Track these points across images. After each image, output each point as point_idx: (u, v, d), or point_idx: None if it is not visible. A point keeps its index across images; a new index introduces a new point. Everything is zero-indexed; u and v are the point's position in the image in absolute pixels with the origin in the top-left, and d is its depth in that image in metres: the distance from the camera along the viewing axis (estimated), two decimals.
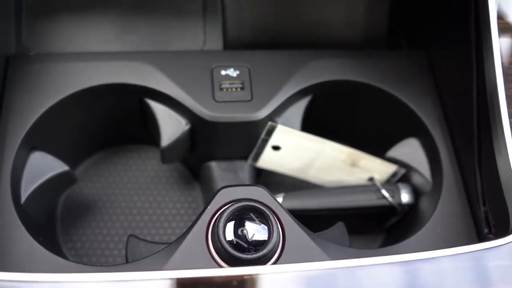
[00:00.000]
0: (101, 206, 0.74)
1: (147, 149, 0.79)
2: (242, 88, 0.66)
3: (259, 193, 0.55)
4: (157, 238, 0.73)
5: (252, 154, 0.69)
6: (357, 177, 0.71)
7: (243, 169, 0.70)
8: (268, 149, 0.68)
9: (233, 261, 0.51)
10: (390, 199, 0.67)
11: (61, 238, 0.72)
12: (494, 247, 0.48)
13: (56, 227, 0.72)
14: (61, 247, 0.71)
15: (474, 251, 0.48)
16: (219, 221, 0.52)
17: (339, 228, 0.62)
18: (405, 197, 0.67)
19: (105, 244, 0.72)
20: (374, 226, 0.74)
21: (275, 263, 0.52)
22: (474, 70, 0.61)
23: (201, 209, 0.74)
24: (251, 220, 0.53)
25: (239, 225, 0.53)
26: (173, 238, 0.74)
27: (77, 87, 0.64)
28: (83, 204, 0.74)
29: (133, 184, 0.77)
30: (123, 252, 0.71)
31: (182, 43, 0.74)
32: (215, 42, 0.74)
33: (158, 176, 0.78)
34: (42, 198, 0.63)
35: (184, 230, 0.72)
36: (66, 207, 0.74)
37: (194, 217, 0.75)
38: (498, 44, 0.59)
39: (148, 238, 0.73)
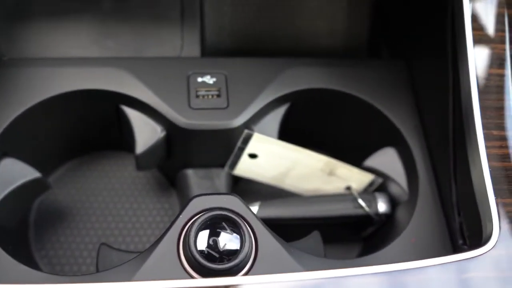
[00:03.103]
0: (75, 213, 0.73)
1: (124, 155, 0.78)
2: (218, 96, 0.65)
3: (232, 202, 0.55)
4: (132, 246, 0.72)
5: (229, 162, 0.68)
6: (334, 186, 0.70)
7: (220, 177, 0.70)
8: (244, 157, 0.68)
9: (203, 271, 0.51)
10: (366, 208, 0.67)
11: (34, 245, 0.70)
12: (467, 258, 0.48)
13: (28, 235, 0.71)
14: (34, 255, 0.69)
15: (447, 262, 0.48)
16: (190, 231, 0.51)
17: (314, 237, 0.62)
18: (382, 206, 0.67)
19: (79, 252, 0.71)
20: (351, 235, 0.74)
21: (247, 273, 0.51)
22: (450, 81, 0.61)
23: None
24: (223, 229, 0.52)
25: (211, 234, 0.52)
26: (148, 246, 0.73)
27: (50, 92, 0.63)
28: (57, 211, 0.73)
29: (109, 191, 0.76)
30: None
31: (160, 48, 0.73)
32: (193, 48, 0.74)
33: (134, 183, 0.77)
34: (13, 205, 0.62)
35: None
36: (40, 214, 0.72)
37: None
38: (473, 54, 0.59)
39: (123, 246, 0.72)
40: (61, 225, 0.72)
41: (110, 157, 0.78)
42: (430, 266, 0.47)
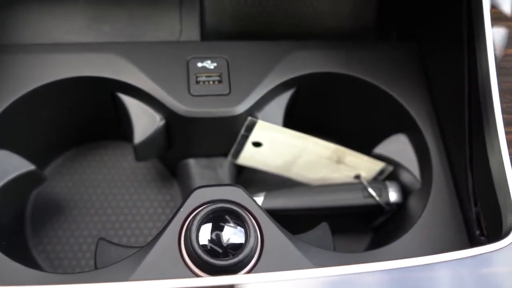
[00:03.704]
0: (73, 206, 0.70)
1: (123, 145, 0.75)
2: (219, 81, 0.62)
3: (236, 194, 0.52)
4: (132, 240, 0.69)
5: (232, 151, 0.65)
6: (343, 174, 0.67)
7: (223, 167, 0.67)
8: (248, 146, 0.65)
9: (206, 268, 0.48)
10: (377, 198, 0.64)
11: (31, 240, 0.68)
12: (486, 252, 0.45)
13: (25, 229, 0.68)
14: (31, 250, 0.67)
15: (465, 257, 0.45)
16: (192, 225, 0.49)
17: (323, 229, 0.59)
18: (392, 195, 0.64)
19: (78, 246, 0.68)
20: (360, 225, 0.71)
21: (252, 269, 0.49)
22: (466, 62, 0.58)
23: None
24: (227, 223, 0.50)
25: (214, 228, 0.49)
26: (149, 239, 0.70)
27: (43, 80, 0.60)
28: (54, 204, 0.70)
29: (108, 182, 0.73)
30: None
31: (157, 32, 0.70)
32: (192, 32, 0.70)
33: (134, 174, 0.74)
34: (7, 200, 0.59)
35: None
36: (37, 208, 0.70)
37: None
38: (491, 34, 0.55)
39: (123, 239, 0.69)
40: (59, 219, 0.70)
41: (108, 146, 0.75)
42: (446, 261, 0.44)
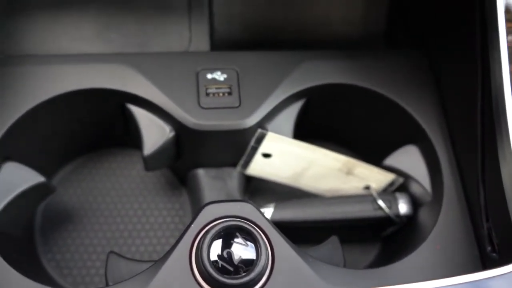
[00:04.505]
0: (82, 215, 0.70)
1: (131, 152, 0.75)
2: (229, 93, 0.61)
3: (246, 210, 0.51)
4: (142, 249, 0.69)
5: (241, 162, 0.65)
6: (353, 185, 0.67)
7: (232, 177, 0.66)
8: (258, 157, 0.64)
9: (218, 285, 0.48)
10: (387, 210, 0.63)
11: (40, 249, 0.68)
12: (499, 275, 0.45)
13: (34, 238, 0.68)
14: (40, 259, 0.67)
15: (479, 279, 0.44)
16: (203, 243, 0.49)
17: (333, 243, 0.58)
18: (403, 207, 0.64)
19: (87, 255, 0.68)
20: (368, 234, 0.71)
21: (263, 286, 0.48)
22: (479, 72, 0.57)
23: (188, 217, 0.72)
24: (238, 240, 0.49)
25: (225, 245, 0.49)
26: (159, 248, 0.70)
27: (52, 92, 0.60)
28: (63, 213, 0.70)
29: (117, 191, 0.73)
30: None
31: (167, 40, 0.69)
32: (202, 39, 0.69)
33: (143, 182, 0.74)
34: (17, 211, 0.59)
35: (170, 240, 0.70)
36: (45, 216, 0.70)
37: (181, 226, 0.72)
38: (506, 43, 0.54)
39: (133, 248, 0.69)
40: (68, 227, 0.70)
41: (117, 154, 0.75)
42: (459, 284, 0.44)
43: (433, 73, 0.66)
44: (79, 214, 0.70)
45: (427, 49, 0.68)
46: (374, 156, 0.67)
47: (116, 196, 0.72)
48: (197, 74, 0.62)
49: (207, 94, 0.61)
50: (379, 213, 0.64)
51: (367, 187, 0.66)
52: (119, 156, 0.75)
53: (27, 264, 0.63)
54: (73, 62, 0.62)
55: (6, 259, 0.53)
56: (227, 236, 0.50)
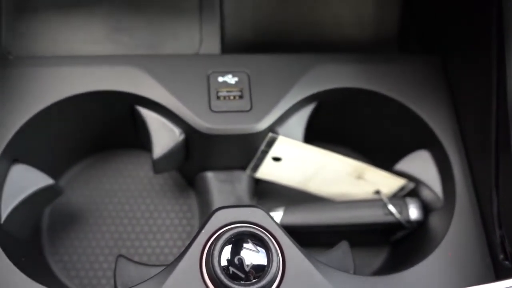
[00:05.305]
0: (89, 216, 0.70)
1: (139, 153, 0.74)
2: (240, 97, 0.61)
3: (257, 215, 0.51)
4: (149, 251, 0.69)
5: (251, 165, 0.65)
6: (363, 190, 0.66)
7: (241, 180, 0.66)
8: (268, 160, 0.64)
9: None
10: (397, 215, 0.63)
11: (47, 250, 0.67)
12: None
13: (41, 239, 0.68)
14: (48, 261, 0.67)
15: None
16: (214, 249, 0.48)
17: (343, 248, 0.58)
18: (413, 213, 0.63)
19: (94, 257, 0.68)
20: (378, 238, 0.70)
21: None
22: (494, 78, 0.56)
23: (196, 219, 0.71)
24: (249, 246, 0.49)
25: (235, 251, 0.49)
26: (166, 250, 0.70)
27: (62, 94, 0.59)
28: (70, 214, 0.70)
29: (124, 192, 0.72)
30: (113, 265, 0.67)
31: (177, 42, 0.69)
32: (212, 41, 0.69)
33: (151, 183, 0.73)
34: (25, 214, 0.59)
35: (177, 242, 0.70)
36: (52, 218, 0.69)
37: (188, 228, 0.71)
38: None
39: (140, 250, 0.69)
40: (75, 229, 0.69)
41: (124, 155, 0.74)
42: None
43: (446, 77, 0.65)
44: (86, 215, 0.70)
45: (440, 53, 0.67)
46: (385, 160, 0.67)
47: (124, 197, 0.72)
48: (208, 77, 0.62)
49: (218, 98, 0.61)
50: (389, 218, 0.63)
51: (378, 192, 0.66)
52: (127, 157, 0.74)
53: (34, 266, 0.63)
54: (83, 64, 0.61)
55: (13, 261, 0.52)
56: (238, 242, 0.49)
